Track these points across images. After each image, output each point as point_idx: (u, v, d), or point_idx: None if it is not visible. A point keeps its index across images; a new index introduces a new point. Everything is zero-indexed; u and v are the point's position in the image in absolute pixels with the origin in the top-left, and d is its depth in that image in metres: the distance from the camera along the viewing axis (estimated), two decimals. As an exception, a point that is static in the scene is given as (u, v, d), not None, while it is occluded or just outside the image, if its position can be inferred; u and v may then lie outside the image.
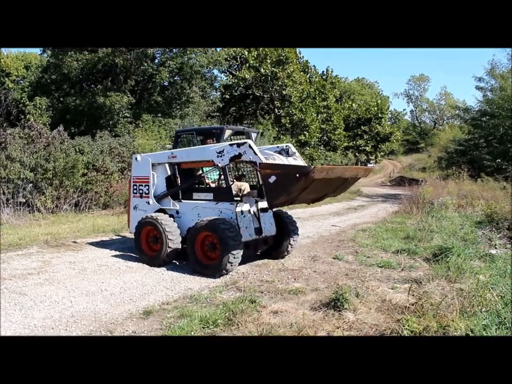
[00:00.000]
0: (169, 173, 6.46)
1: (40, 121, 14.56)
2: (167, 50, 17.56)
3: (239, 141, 5.67)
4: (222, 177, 6.09)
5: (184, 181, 6.37)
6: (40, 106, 16.53)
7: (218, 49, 19.95)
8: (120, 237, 8.34)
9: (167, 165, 6.47)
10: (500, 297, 3.95)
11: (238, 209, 5.70)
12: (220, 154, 5.65)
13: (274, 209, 6.51)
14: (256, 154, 5.32)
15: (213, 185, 6.53)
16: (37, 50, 25.01)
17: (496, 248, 7.03)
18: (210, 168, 6.07)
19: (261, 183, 6.65)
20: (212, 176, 6.68)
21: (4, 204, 9.65)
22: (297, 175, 4.71)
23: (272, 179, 4.89)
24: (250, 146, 5.40)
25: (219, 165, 5.69)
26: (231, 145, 5.60)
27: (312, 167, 4.73)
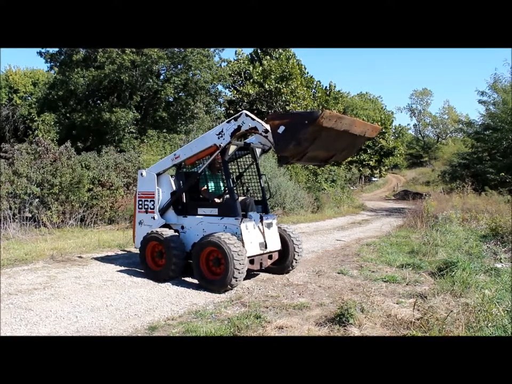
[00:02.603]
0: (174, 188, 6.54)
1: (48, 137, 14.76)
2: (172, 66, 17.86)
3: (235, 115, 5.72)
4: (227, 191, 6.14)
5: (189, 191, 6.42)
6: (48, 122, 16.78)
7: (223, 65, 20.24)
8: (126, 252, 8.36)
9: (172, 180, 6.55)
10: (506, 311, 3.92)
11: (243, 224, 5.74)
12: (220, 135, 5.73)
13: (280, 226, 6.55)
14: (254, 120, 5.38)
15: (217, 200, 6.58)
16: (44, 67, 25.47)
17: (501, 262, 7.00)
18: (211, 156, 5.96)
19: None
20: (216, 191, 6.74)
21: (10, 219, 9.74)
22: (306, 121, 4.61)
23: (281, 129, 4.82)
24: (247, 115, 5.46)
25: (221, 145, 5.76)
26: (228, 121, 5.70)
27: (321, 111, 4.57)
